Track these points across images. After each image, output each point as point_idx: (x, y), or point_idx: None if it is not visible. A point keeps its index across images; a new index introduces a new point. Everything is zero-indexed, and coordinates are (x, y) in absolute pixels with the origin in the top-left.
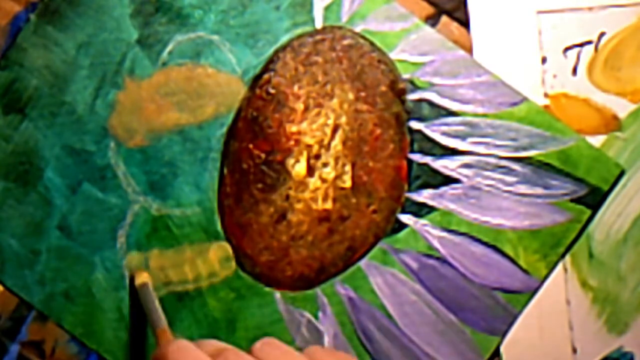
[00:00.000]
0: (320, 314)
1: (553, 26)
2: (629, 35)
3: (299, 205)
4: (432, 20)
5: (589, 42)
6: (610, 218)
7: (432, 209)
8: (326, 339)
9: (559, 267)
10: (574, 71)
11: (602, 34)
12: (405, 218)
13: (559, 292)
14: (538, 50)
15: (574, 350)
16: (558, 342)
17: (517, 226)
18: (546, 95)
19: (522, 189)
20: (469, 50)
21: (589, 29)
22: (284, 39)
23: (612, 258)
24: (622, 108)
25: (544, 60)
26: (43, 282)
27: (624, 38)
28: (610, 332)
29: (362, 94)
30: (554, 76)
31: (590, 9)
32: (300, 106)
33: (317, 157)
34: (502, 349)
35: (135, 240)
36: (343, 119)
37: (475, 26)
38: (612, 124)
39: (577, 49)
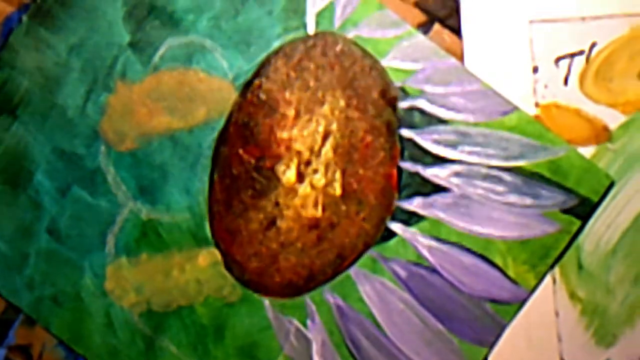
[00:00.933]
0: (308, 322)
1: (545, 36)
2: (621, 46)
3: (288, 212)
4: (424, 28)
5: (581, 53)
6: (600, 229)
7: (421, 217)
8: (314, 347)
9: (548, 278)
10: (566, 81)
11: (593, 45)
12: (395, 226)
13: (548, 303)
14: (530, 60)
15: None
16: (546, 354)
17: (507, 236)
18: (537, 105)
19: (512, 198)
20: (461, 59)
21: (580, 39)
22: (276, 44)
23: (601, 270)
24: (613, 119)
25: (535, 69)
26: (31, 286)
27: (615, 49)
28: (598, 344)
29: (354, 101)
30: (545, 86)
31: (582, 19)
32: (291, 112)
33: (308, 163)
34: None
35: (124, 245)
36: (334, 126)
37: (467, 35)
38: (602, 135)
39: (568, 59)
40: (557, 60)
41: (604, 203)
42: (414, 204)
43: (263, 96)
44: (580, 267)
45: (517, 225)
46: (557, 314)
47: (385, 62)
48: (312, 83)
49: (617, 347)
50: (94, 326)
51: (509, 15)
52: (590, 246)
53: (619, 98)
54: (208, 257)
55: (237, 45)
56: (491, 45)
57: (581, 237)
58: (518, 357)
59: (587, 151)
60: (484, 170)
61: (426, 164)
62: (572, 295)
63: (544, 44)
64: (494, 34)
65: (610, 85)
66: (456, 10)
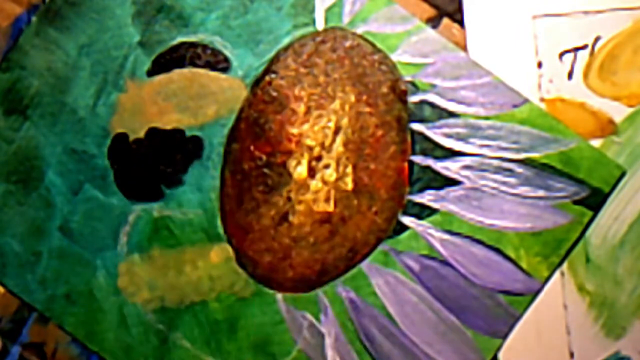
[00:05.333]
0: (322, 316)
1: (548, 31)
2: (625, 39)
3: (300, 207)
4: (433, 23)
5: (585, 47)
6: (607, 222)
7: (433, 210)
8: (328, 341)
9: (556, 271)
10: (570, 75)
11: (597, 38)
12: (406, 220)
13: (556, 296)
14: (534, 55)
15: (571, 355)
16: (555, 347)
17: (519, 228)
18: (542, 99)
19: (524, 190)
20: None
21: (584, 34)
22: (286, 40)
23: (609, 262)
24: (618, 112)
25: (539, 64)
26: (44, 284)
27: (619, 42)
28: (607, 337)
29: (364, 95)
30: (550, 81)
31: (585, 13)
32: (301, 108)
33: (319, 159)
34: (499, 353)
35: (137, 242)
36: (344, 121)
37: (471, 31)
38: (608, 128)
39: (572, 54)
40: (561, 54)
41: (611, 195)
42: (426, 198)
43: (273, 92)
44: (588, 260)
45: (529, 217)
46: (565, 307)
47: (395, 57)
48: (322, 79)
49: (625, 338)
50: (107, 323)
51: (513, 10)
52: (598, 239)
53: (623, 91)
54: (220, 253)
55: (246, 43)
56: (495, 41)
57: (589, 231)
58: (527, 350)
59: (593, 144)
60: (495, 163)
61: (437, 158)
62: (581, 288)
63: (547, 38)
64: (498, 30)
65: (614, 79)
66: (459, 6)
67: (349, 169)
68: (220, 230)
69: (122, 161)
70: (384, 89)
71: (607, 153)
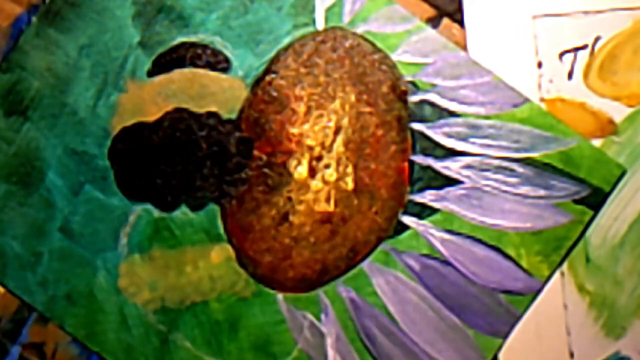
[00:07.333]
0: (322, 316)
1: (548, 31)
2: (625, 40)
3: (300, 207)
4: (433, 23)
5: (585, 47)
6: (607, 222)
7: (434, 210)
8: (329, 341)
9: (557, 271)
10: (570, 75)
11: (597, 38)
12: (407, 220)
13: (556, 296)
14: (534, 55)
15: (571, 355)
16: (555, 347)
17: (520, 227)
18: (542, 99)
19: (524, 190)
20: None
21: (584, 34)
22: (286, 40)
23: (609, 262)
24: (618, 112)
25: (539, 64)
26: (45, 284)
27: (619, 42)
28: (607, 337)
29: (364, 95)
30: (550, 81)
31: (585, 13)
32: (302, 108)
33: (319, 158)
34: (499, 353)
35: (137, 243)
36: (345, 121)
37: (471, 31)
38: (608, 128)
39: (572, 54)
40: (561, 54)
41: (611, 196)
42: (427, 197)
43: (274, 92)
44: (588, 260)
45: (530, 216)
46: (565, 307)
47: (395, 57)
48: (322, 78)
49: (626, 338)
50: (108, 323)
51: (513, 10)
52: (598, 239)
53: (623, 91)
54: (221, 253)
55: (246, 43)
56: (495, 41)
57: (589, 231)
58: (527, 350)
59: (593, 144)
60: (496, 162)
61: (438, 157)
62: (581, 288)
63: (547, 38)
64: (498, 29)
65: (614, 79)
66: (459, 6)
67: (350, 169)
68: (221, 230)
69: (123, 161)
70: (384, 89)
71: (607, 153)
